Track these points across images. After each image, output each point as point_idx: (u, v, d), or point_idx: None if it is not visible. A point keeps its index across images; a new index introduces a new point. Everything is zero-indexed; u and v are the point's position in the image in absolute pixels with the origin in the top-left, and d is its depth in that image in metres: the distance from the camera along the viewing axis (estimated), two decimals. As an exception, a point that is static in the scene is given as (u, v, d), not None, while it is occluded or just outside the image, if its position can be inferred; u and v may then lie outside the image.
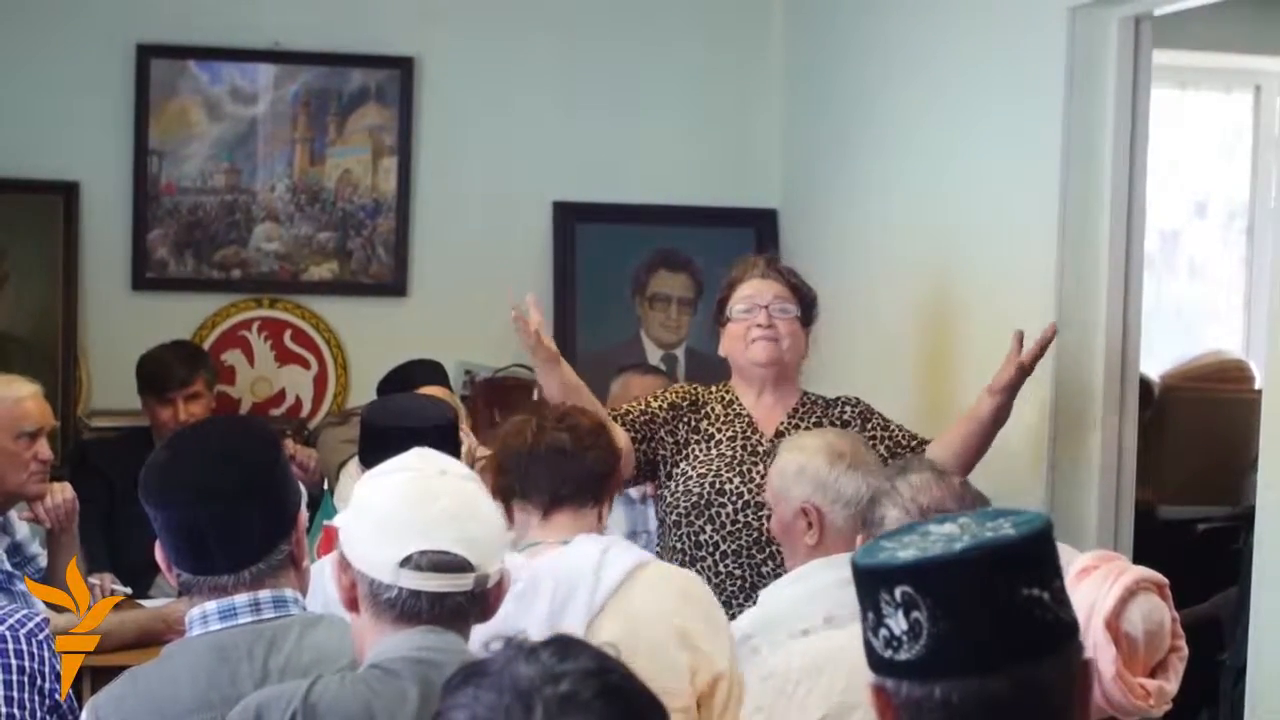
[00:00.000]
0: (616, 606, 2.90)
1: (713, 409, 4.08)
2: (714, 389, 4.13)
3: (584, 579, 2.90)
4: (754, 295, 4.06)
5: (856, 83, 5.29)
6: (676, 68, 5.85)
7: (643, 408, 4.06)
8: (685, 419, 4.06)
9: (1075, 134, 4.22)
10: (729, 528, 3.91)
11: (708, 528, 3.92)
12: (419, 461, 2.34)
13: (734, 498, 3.93)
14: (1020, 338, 3.96)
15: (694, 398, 4.10)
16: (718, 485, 3.94)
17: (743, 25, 5.88)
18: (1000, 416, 3.98)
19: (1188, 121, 6.16)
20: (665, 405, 4.08)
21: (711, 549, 3.92)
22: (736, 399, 4.09)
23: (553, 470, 3.03)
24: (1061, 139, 4.22)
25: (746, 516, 3.90)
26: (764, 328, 4.02)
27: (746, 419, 4.05)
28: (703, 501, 3.93)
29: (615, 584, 2.92)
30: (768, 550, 3.84)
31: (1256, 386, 5.64)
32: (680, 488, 3.97)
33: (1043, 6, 4.29)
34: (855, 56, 5.30)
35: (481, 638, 2.22)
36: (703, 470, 3.97)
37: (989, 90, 4.57)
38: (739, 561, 3.90)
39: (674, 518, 3.97)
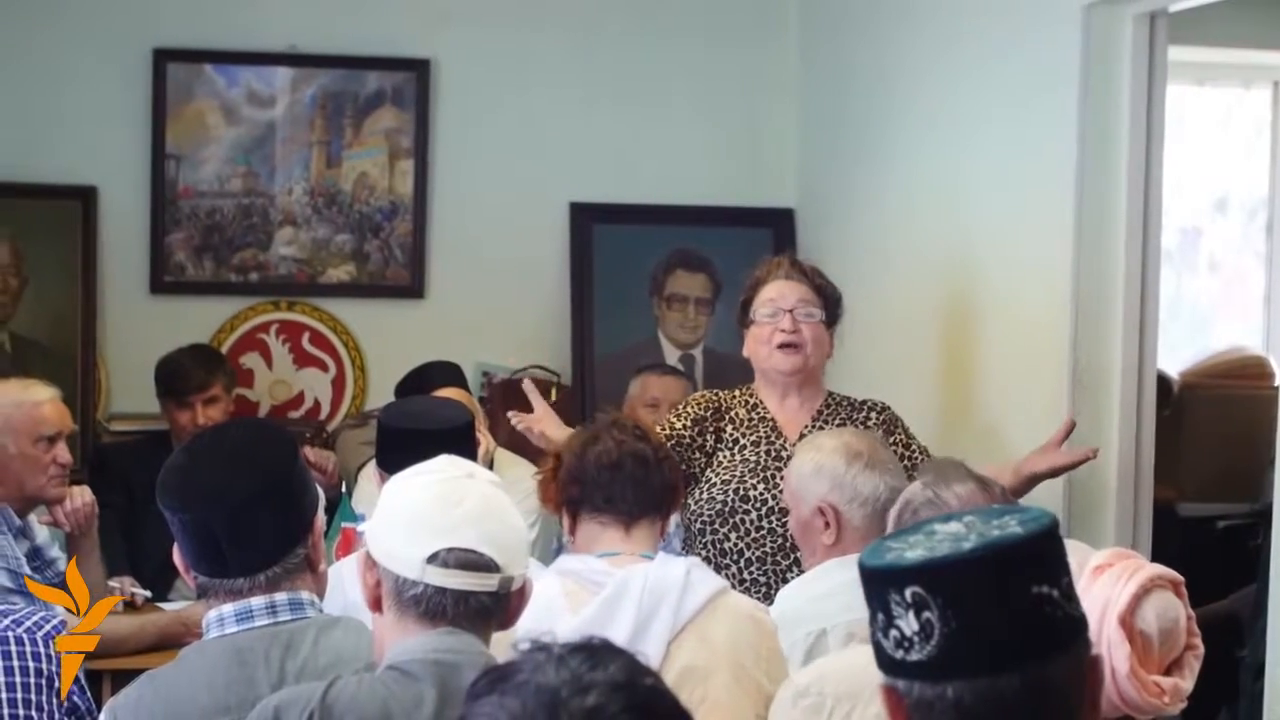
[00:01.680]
0: (697, 629, 2.90)
1: (736, 413, 4.05)
2: (737, 393, 4.11)
3: (670, 595, 2.89)
4: (778, 299, 4.03)
5: (872, 82, 5.28)
6: (693, 68, 5.84)
7: (668, 433, 3.99)
8: (710, 430, 4.02)
9: (1091, 131, 4.21)
10: (753, 534, 3.89)
11: (732, 535, 3.89)
12: (447, 465, 2.35)
13: (758, 504, 3.89)
14: (1070, 426, 3.96)
15: (716, 405, 4.07)
16: (741, 492, 3.91)
17: (758, 25, 5.87)
18: (1016, 498, 3.95)
19: (1207, 118, 6.14)
20: (689, 423, 4.03)
21: (736, 556, 3.89)
22: (760, 402, 4.06)
23: (638, 481, 3.02)
24: (1077, 136, 4.21)
25: (770, 523, 3.87)
26: (788, 332, 4.00)
27: (770, 423, 4.03)
28: (727, 509, 3.90)
29: (699, 606, 2.91)
30: (792, 556, 3.80)
31: (1277, 383, 5.62)
32: (704, 495, 3.94)
33: (1057, 4, 4.28)
34: (871, 56, 5.29)
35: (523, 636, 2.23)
36: (726, 477, 3.94)
37: (1004, 88, 4.56)
38: (763, 569, 3.87)
39: (698, 526, 3.94)
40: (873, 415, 4.07)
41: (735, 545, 3.89)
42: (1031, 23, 4.43)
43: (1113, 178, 4.21)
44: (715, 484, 3.94)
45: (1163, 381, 4.76)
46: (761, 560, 3.88)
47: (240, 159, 5.60)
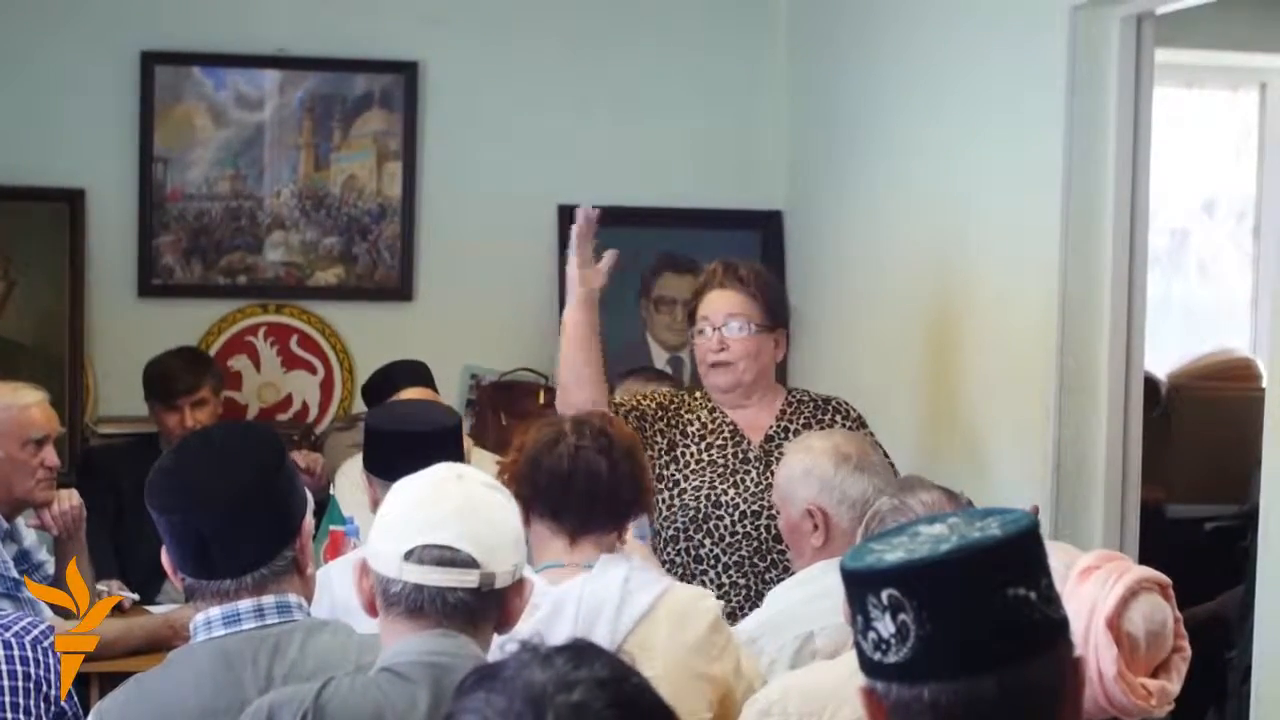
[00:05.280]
0: (639, 639, 2.88)
1: (697, 416, 4.00)
2: (698, 395, 4.06)
3: (606, 610, 2.87)
4: (710, 315, 3.97)
5: (860, 85, 5.29)
6: (681, 70, 5.85)
7: (633, 405, 3.99)
8: (673, 420, 3.98)
9: (1078, 133, 4.21)
10: (728, 539, 3.86)
11: (707, 541, 3.87)
12: (442, 469, 2.36)
13: (730, 509, 3.87)
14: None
15: (679, 403, 4.03)
16: (713, 498, 3.88)
17: (747, 28, 5.87)
18: None
19: (1195, 120, 6.14)
20: (655, 404, 4.01)
21: (712, 562, 3.86)
22: (719, 406, 4.02)
23: (587, 496, 2.97)
24: (1064, 138, 4.21)
25: (744, 527, 3.85)
26: (715, 351, 3.95)
27: (730, 426, 3.99)
28: (700, 515, 3.87)
29: (638, 617, 2.89)
30: (769, 558, 3.81)
31: (1264, 384, 5.63)
32: (676, 502, 3.90)
33: (1044, 6, 4.28)
34: (859, 59, 5.29)
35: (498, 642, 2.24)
36: (697, 483, 3.91)
37: (992, 91, 4.56)
38: (742, 572, 3.85)
39: (670, 532, 3.91)
40: (838, 418, 4.03)
41: (710, 551, 3.86)
42: (1019, 25, 4.43)
43: (1100, 180, 4.21)
44: (686, 490, 3.91)
45: (1150, 383, 4.76)
46: (739, 564, 3.85)
47: (228, 161, 5.59)
